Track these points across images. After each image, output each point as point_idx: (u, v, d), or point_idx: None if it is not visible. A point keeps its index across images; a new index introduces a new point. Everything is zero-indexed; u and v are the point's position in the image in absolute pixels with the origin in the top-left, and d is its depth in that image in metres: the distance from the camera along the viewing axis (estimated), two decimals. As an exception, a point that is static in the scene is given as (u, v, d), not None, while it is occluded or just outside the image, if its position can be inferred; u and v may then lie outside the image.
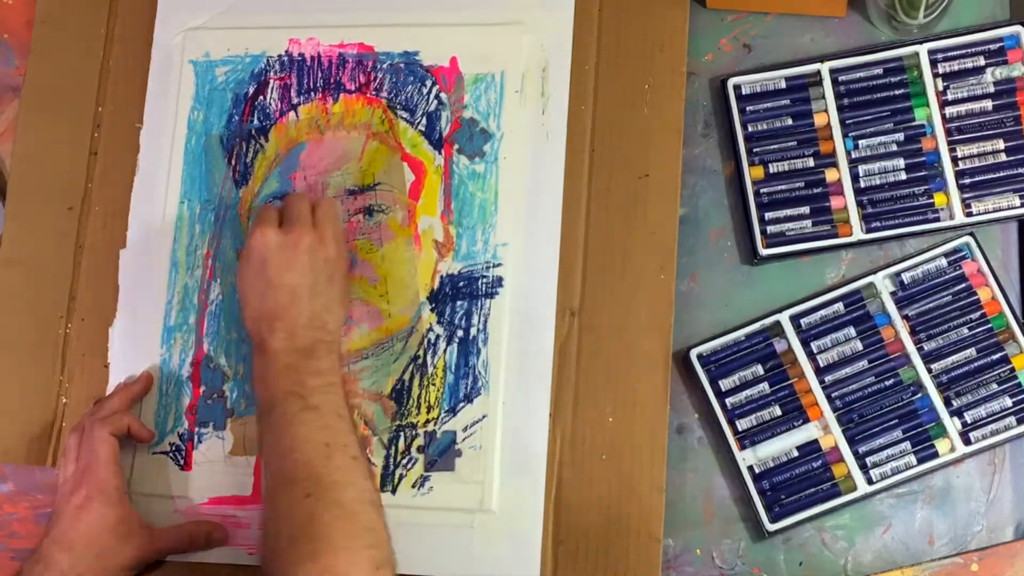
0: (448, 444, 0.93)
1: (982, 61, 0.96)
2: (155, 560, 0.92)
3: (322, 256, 0.89)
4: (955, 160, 0.95)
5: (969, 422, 0.92)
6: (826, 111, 0.96)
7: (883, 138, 0.96)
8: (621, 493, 0.91)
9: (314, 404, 0.84)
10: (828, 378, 0.93)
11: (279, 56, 1.01)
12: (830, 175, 0.96)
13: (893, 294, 0.94)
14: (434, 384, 0.94)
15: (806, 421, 0.93)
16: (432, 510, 0.92)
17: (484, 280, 0.95)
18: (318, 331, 0.88)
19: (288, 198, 0.92)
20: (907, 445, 0.92)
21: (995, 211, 0.94)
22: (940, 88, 0.96)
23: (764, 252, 0.95)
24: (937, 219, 0.95)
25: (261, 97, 1.01)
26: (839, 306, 0.94)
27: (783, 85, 0.97)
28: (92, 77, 1.03)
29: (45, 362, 0.99)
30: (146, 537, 0.91)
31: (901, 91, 0.96)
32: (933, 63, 0.96)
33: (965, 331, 0.93)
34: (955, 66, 0.96)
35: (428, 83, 0.98)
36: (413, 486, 0.93)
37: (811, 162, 0.96)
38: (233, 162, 1.00)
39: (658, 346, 0.92)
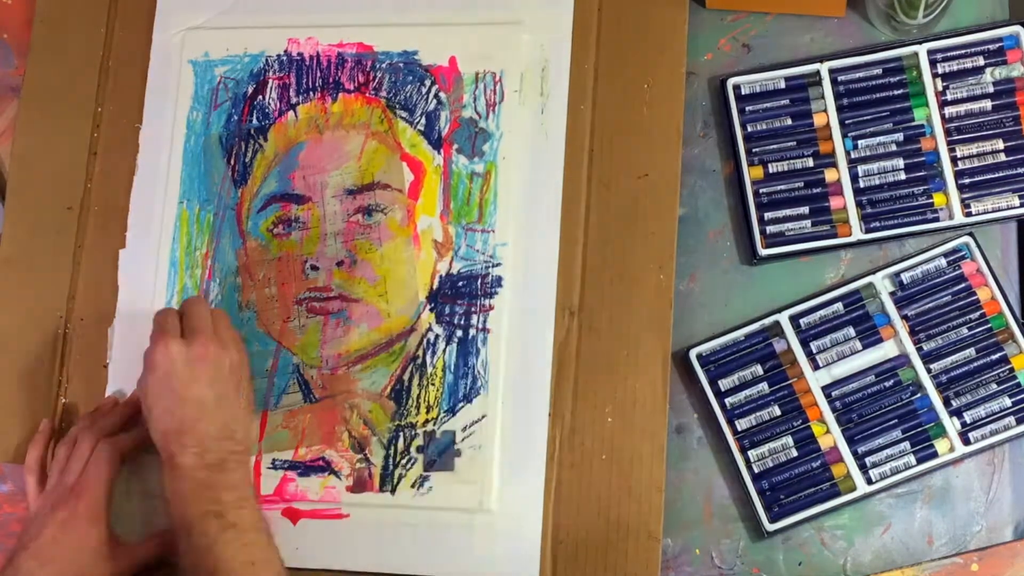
0: (447, 444, 0.93)
1: (981, 61, 0.96)
2: None
3: (227, 365, 0.89)
4: (954, 160, 0.95)
5: (968, 422, 0.92)
6: (825, 111, 0.96)
7: (882, 138, 0.96)
8: (620, 493, 0.91)
9: (232, 521, 0.84)
10: (827, 378, 0.93)
11: (278, 56, 1.01)
12: (829, 175, 0.96)
13: (892, 294, 0.94)
14: (433, 384, 0.94)
15: (805, 421, 0.93)
16: (431, 510, 0.92)
17: (483, 280, 0.95)
18: (228, 442, 0.87)
19: (186, 304, 0.92)
20: (906, 445, 0.92)
21: (994, 211, 0.94)
22: (939, 88, 0.96)
23: (763, 252, 0.95)
24: (936, 219, 0.95)
25: (260, 97, 1.01)
26: (838, 306, 0.94)
27: (782, 85, 0.97)
28: (92, 77, 1.03)
29: (44, 362, 0.99)
30: (125, 555, 0.91)
31: (900, 91, 0.96)
32: (932, 63, 0.96)
33: (964, 331, 0.93)
34: (954, 66, 0.96)
35: (427, 83, 0.98)
36: (412, 486, 0.93)
37: (810, 162, 0.96)
38: (232, 162, 1.00)
39: (657, 346, 0.92)
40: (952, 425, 0.92)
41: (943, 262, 0.94)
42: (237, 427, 0.89)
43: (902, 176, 0.95)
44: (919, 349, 0.93)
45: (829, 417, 0.93)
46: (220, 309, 0.94)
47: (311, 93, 1.00)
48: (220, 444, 0.87)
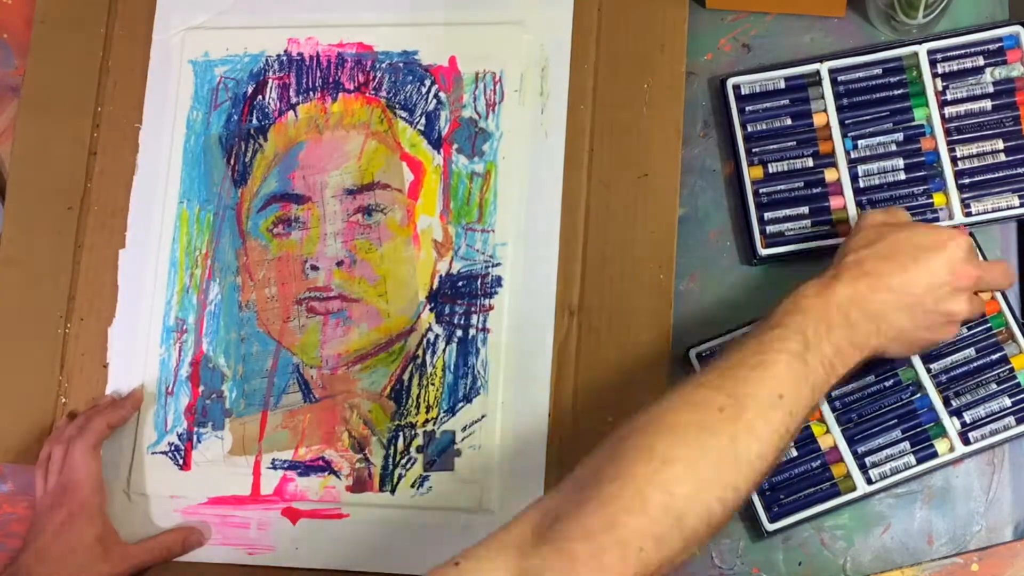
0: (447, 444, 0.93)
1: (981, 61, 0.96)
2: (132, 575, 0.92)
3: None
4: (954, 160, 0.95)
5: (968, 422, 0.92)
6: (825, 111, 0.96)
7: (882, 138, 0.96)
8: (620, 493, 0.91)
9: (808, 359, 0.77)
10: (827, 378, 0.93)
11: (278, 56, 1.01)
12: (829, 175, 0.95)
13: (892, 294, 0.94)
14: (433, 384, 0.94)
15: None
16: (431, 510, 0.92)
17: (483, 280, 0.95)
18: (886, 334, 0.81)
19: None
20: (906, 445, 0.92)
21: (994, 211, 0.94)
22: (939, 88, 0.96)
23: (763, 252, 0.95)
24: (936, 219, 0.95)
25: (260, 96, 1.01)
26: (838, 306, 0.94)
27: (782, 85, 0.97)
28: (92, 77, 1.04)
29: (44, 362, 0.99)
30: (123, 554, 0.91)
31: (900, 91, 0.96)
32: (932, 63, 0.96)
33: (964, 331, 0.93)
34: (954, 66, 0.96)
35: (427, 82, 0.98)
36: (412, 486, 0.93)
37: (810, 162, 0.96)
38: (232, 162, 1.00)
39: (657, 346, 0.92)
40: (952, 425, 0.92)
41: (943, 262, 0.94)
42: (917, 337, 0.82)
43: (902, 176, 0.95)
44: (919, 349, 0.93)
45: (829, 417, 0.92)
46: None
47: (311, 93, 1.00)
48: (883, 326, 0.80)
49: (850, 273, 0.81)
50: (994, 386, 0.92)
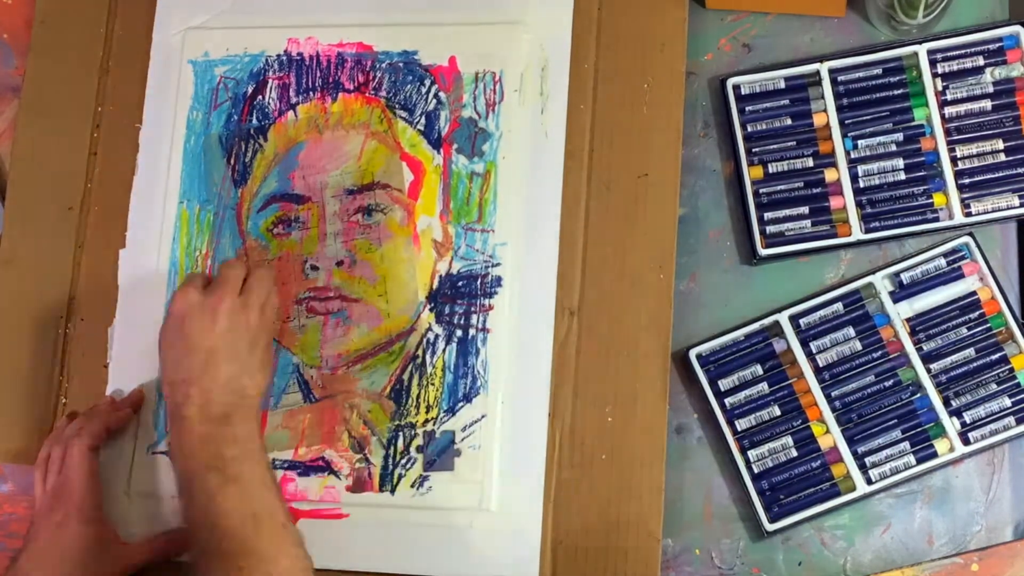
0: (447, 444, 0.93)
1: (981, 61, 0.96)
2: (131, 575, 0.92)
3: (243, 321, 0.87)
4: (954, 160, 0.95)
5: (968, 422, 0.92)
6: (825, 111, 0.96)
7: (882, 138, 0.96)
8: (620, 493, 0.91)
9: (234, 476, 0.83)
10: (827, 378, 0.93)
11: (278, 56, 1.01)
12: (829, 175, 0.96)
13: (892, 294, 0.94)
14: (433, 384, 0.94)
15: (805, 421, 0.93)
16: (431, 510, 0.92)
17: (483, 280, 0.95)
18: (234, 396, 0.86)
19: (221, 265, 0.91)
20: (906, 445, 0.92)
21: (994, 211, 0.94)
22: (939, 88, 0.96)
23: (763, 252, 0.95)
24: (936, 219, 0.95)
25: (260, 96, 1.01)
26: (838, 306, 0.94)
27: (782, 85, 0.97)
28: (92, 77, 1.03)
29: (44, 362, 0.99)
30: (122, 555, 0.91)
31: (900, 91, 0.96)
32: (932, 63, 0.96)
33: (964, 331, 0.93)
34: (954, 66, 0.96)
35: (427, 82, 0.98)
36: (412, 486, 0.93)
37: (810, 162, 0.96)
38: (232, 162, 1.00)
39: (657, 346, 0.92)
40: (952, 425, 0.92)
41: (943, 262, 0.94)
42: (248, 382, 0.87)
43: (902, 176, 0.95)
44: (919, 349, 0.93)
45: (829, 417, 0.93)
46: (265, 269, 0.92)
47: (311, 93, 1.00)
48: (225, 397, 0.85)
49: (172, 400, 0.87)
50: (994, 386, 0.92)
